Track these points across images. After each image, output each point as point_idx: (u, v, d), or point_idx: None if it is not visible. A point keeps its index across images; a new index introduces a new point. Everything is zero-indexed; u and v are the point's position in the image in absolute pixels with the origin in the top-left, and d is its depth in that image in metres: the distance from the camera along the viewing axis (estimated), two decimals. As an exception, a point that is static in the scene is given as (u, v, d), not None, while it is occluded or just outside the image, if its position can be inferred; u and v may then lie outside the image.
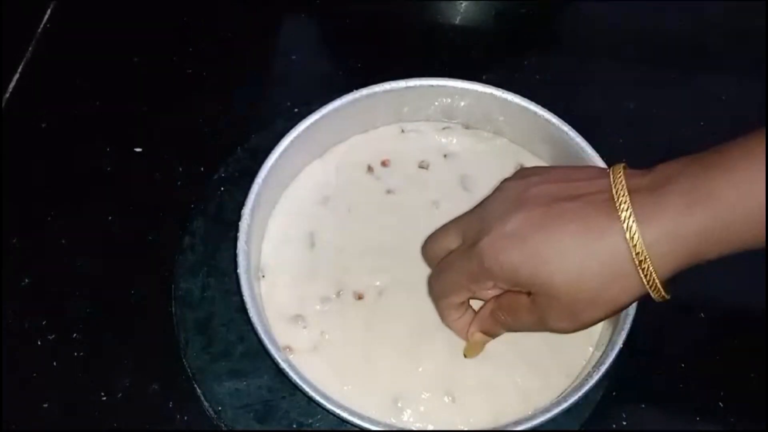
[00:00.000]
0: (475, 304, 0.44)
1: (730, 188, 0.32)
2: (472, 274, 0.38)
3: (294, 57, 0.61)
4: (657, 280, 0.34)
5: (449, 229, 0.42)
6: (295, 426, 0.45)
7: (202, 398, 0.46)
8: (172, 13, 0.62)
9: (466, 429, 0.44)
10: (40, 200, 0.53)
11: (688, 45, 0.63)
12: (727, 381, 0.49)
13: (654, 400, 0.48)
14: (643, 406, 0.48)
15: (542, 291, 0.36)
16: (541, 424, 0.41)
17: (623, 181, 0.35)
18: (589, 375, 0.42)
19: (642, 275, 0.34)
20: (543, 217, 0.36)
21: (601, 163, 0.47)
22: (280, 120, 0.54)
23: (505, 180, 0.40)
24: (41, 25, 0.61)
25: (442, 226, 0.43)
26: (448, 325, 0.44)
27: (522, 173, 0.40)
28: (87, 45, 0.61)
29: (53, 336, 0.48)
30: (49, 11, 0.62)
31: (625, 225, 0.33)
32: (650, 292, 0.35)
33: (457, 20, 0.64)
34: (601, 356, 0.43)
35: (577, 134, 0.48)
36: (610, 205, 0.34)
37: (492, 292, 0.41)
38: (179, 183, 0.54)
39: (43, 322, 0.49)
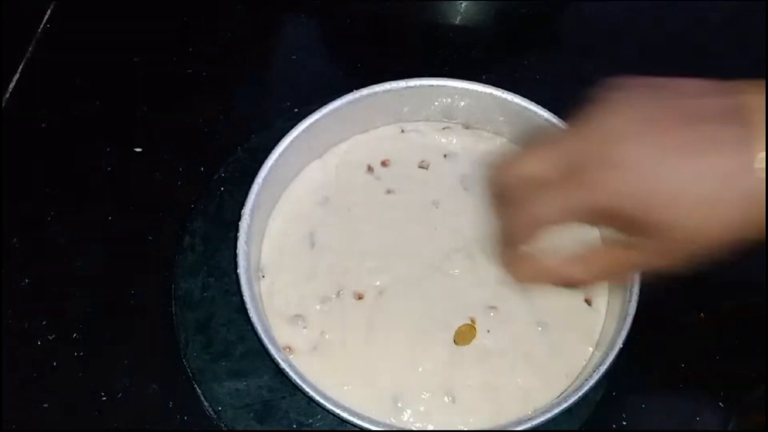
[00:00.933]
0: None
1: None
2: (577, 203, 0.33)
3: (294, 57, 0.61)
4: None
5: (539, 151, 0.35)
6: (295, 426, 0.45)
7: (202, 398, 0.46)
8: (172, 13, 0.62)
9: (466, 429, 0.44)
10: (40, 200, 0.53)
11: (688, 45, 0.63)
12: (727, 381, 0.49)
13: (654, 400, 0.48)
14: (643, 406, 0.48)
15: (663, 229, 0.31)
16: (541, 424, 0.41)
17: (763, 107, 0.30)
18: (589, 375, 0.42)
19: None
20: (664, 144, 0.30)
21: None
22: (280, 120, 0.54)
23: (607, 96, 0.33)
24: (41, 25, 0.61)
25: (523, 149, 0.37)
26: (511, 269, 0.39)
27: (628, 85, 0.33)
28: (87, 45, 0.61)
29: (53, 336, 0.48)
30: (49, 11, 0.62)
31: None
32: None
33: (457, 20, 0.64)
34: (601, 356, 0.43)
35: (577, 134, 0.48)
36: (746, 130, 0.30)
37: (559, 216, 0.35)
38: (179, 183, 0.54)
39: (43, 322, 0.49)
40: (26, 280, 0.50)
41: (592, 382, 0.41)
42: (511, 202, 0.37)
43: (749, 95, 0.31)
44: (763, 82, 0.31)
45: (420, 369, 0.45)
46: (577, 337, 0.46)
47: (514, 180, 0.36)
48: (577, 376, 0.45)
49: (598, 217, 0.34)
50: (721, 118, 0.30)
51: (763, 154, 0.29)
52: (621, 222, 0.33)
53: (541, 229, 0.36)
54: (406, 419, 0.44)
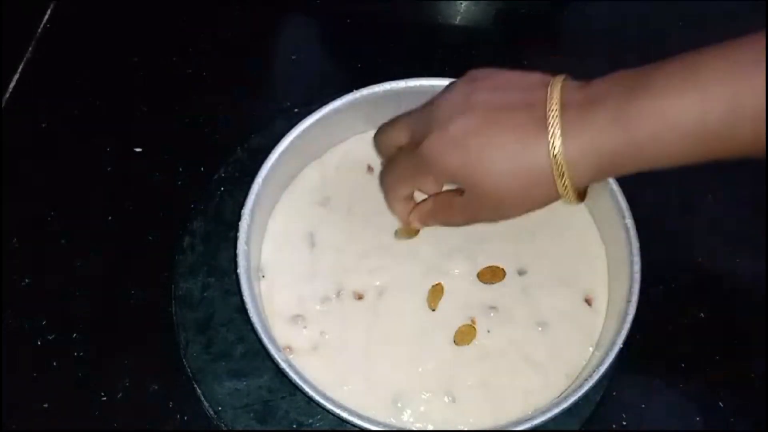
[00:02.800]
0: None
1: (646, 112, 0.34)
2: (416, 171, 0.43)
3: (294, 57, 0.61)
4: (571, 190, 0.37)
5: (399, 124, 0.45)
6: (295, 426, 0.45)
7: (202, 398, 0.46)
8: (172, 13, 0.62)
9: (466, 429, 0.44)
10: (40, 200, 0.53)
11: (688, 45, 0.63)
12: (727, 381, 0.49)
13: (654, 400, 0.48)
14: (643, 406, 0.48)
15: (474, 191, 0.40)
16: (541, 424, 0.41)
17: (557, 96, 0.37)
18: (589, 375, 0.42)
19: (560, 185, 0.37)
20: (481, 124, 0.38)
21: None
22: (280, 120, 0.54)
23: (456, 81, 0.42)
24: (41, 25, 0.61)
25: (392, 119, 0.46)
26: (392, 212, 0.48)
27: (471, 76, 0.42)
28: (87, 45, 0.61)
29: (53, 336, 0.48)
30: (49, 11, 0.62)
31: (550, 140, 0.36)
32: (564, 198, 0.38)
33: (457, 20, 0.64)
34: (601, 356, 0.43)
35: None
36: (542, 117, 0.37)
37: (433, 186, 0.45)
38: (179, 183, 0.54)
39: (43, 322, 0.49)
40: (26, 280, 0.50)
41: (592, 382, 0.41)
42: (385, 165, 0.48)
43: (551, 88, 0.38)
44: (561, 76, 0.38)
45: (420, 369, 0.45)
46: (577, 337, 0.46)
47: (385, 146, 0.47)
48: (577, 376, 0.45)
49: (432, 176, 0.42)
50: (525, 109, 0.38)
51: (552, 141, 0.36)
52: (448, 182, 0.43)
53: (402, 185, 0.45)
54: (406, 419, 0.44)
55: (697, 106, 0.33)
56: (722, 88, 0.33)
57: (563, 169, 0.36)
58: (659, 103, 0.34)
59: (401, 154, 0.44)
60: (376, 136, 0.48)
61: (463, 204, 0.42)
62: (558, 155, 0.36)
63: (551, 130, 0.36)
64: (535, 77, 0.40)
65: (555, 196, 0.39)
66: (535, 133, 0.37)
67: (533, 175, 0.37)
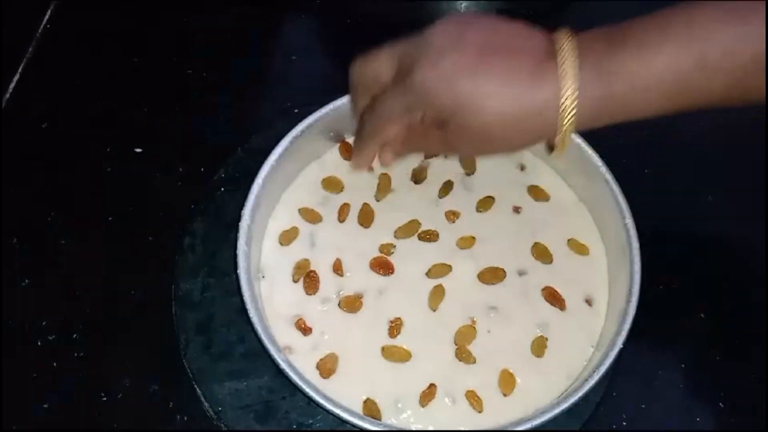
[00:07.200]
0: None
1: (627, 66, 0.36)
2: (407, 107, 0.41)
3: (294, 57, 0.61)
4: (568, 135, 0.38)
5: (383, 55, 0.42)
6: (295, 426, 0.45)
7: (202, 398, 0.46)
8: (172, 13, 0.62)
9: (466, 429, 0.44)
10: (40, 200, 0.53)
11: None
12: (727, 381, 0.49)
13: (654, 400, 0.48)
14: (643, 406, 0.48)
15: (462, 127, 0.39)
16: (541, 424, 0.41)
17: (570, 45, 0.38)
18: (590, 375, 0.42)
19: (560, 127, 0.38)
20: (476, 63, 0.38)
21: (601, 164, 0.47)
22: (280, 120, 0.54)
23: (451, 16, 0.41)
24: (41, 25, 0.61)
25: (373, 52, 0.43)
26: (368, 154, 0.46)
27: (467, 16, 0.42)
28: (87, 45, 0.61)
29: (53, 336, 0.48)
30: (49, 11, 0.62)
31: (563, 85, 0.37)
32: (556, 143, 0.39)
33: (457, 20, 0.64)
34: (601, 356, 0.43)
35: (577, 134, 0.48)
36: (544, 62, 0.37)
37: (419, 127, 0.43)
38: (179, 183, 0.54)
39: (43, 322, 0.49)
40: (26, 280, 0.50)
41: (592, 382, 0.41)
42: (369, 105, 0.44)
43: (561, 36, 0.39)
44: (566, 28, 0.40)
45: (420, 369, 0.45)
46: (577, 337, 0.46)
47: (365, 78, 0.43)
48: (578, 376, 0.45)
49: (422, 111, 0.41)
50: (522, 53, 0.38)
51: (566, 85, 0.37)
52: (435, 116, 0.40)
53: (392, 124, 0.42)
54: (406, 419, 0.44)
55: (671, 59, 0.36)
56: (688, 45, 0.36)
57: (569, 114, 0.37)
58: (637, 58, 0.36)
59: (389, 92, 0.42)
60: (355, 68, 0.44)
61: (443, 136, 0.41)
62: (567, 99, 0.36)
63: (564, 75, 0.37)
64: (524, 27, 0.40)
65: (541, 139, 0.40)
66: (537, 74, 0.37)
67: (530, 118, 0.38)
